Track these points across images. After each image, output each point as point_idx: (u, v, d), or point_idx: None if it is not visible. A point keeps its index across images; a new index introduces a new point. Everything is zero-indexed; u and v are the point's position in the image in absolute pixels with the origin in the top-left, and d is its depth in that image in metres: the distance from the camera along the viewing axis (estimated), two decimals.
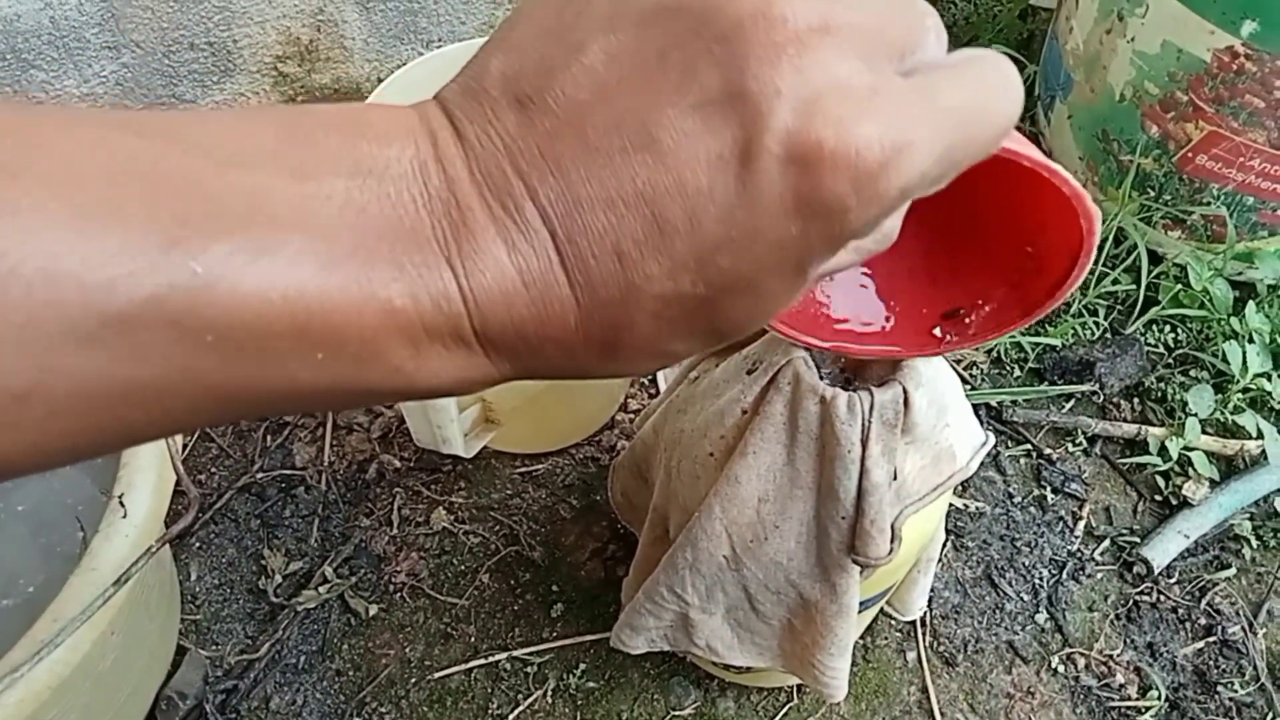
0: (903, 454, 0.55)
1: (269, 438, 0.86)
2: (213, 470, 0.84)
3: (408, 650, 0.77)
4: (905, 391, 0.53)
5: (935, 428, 0.56)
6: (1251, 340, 0.93)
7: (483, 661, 0.76)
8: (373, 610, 0.79)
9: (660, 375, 0.92)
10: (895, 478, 0.55)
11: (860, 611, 0.62)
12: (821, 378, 0.55)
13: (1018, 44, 1.18)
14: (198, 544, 0.82)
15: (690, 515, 0.59)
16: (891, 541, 0.54)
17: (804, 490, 0.55)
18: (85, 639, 0.54)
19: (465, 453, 0.73)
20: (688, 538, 0.58)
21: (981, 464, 0.88)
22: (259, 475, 0.84)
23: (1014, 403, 0.93)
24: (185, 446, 0.83)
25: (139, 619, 0.67)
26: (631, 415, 0.90)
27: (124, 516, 0.57)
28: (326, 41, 0.94)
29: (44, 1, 0.76)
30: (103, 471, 0.68)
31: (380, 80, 0.78)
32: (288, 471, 0.84)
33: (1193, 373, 0.95)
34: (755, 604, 0.60)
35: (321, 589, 0.79)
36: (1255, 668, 0.79)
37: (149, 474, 0.58)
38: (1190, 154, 0.94)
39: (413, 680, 0.76)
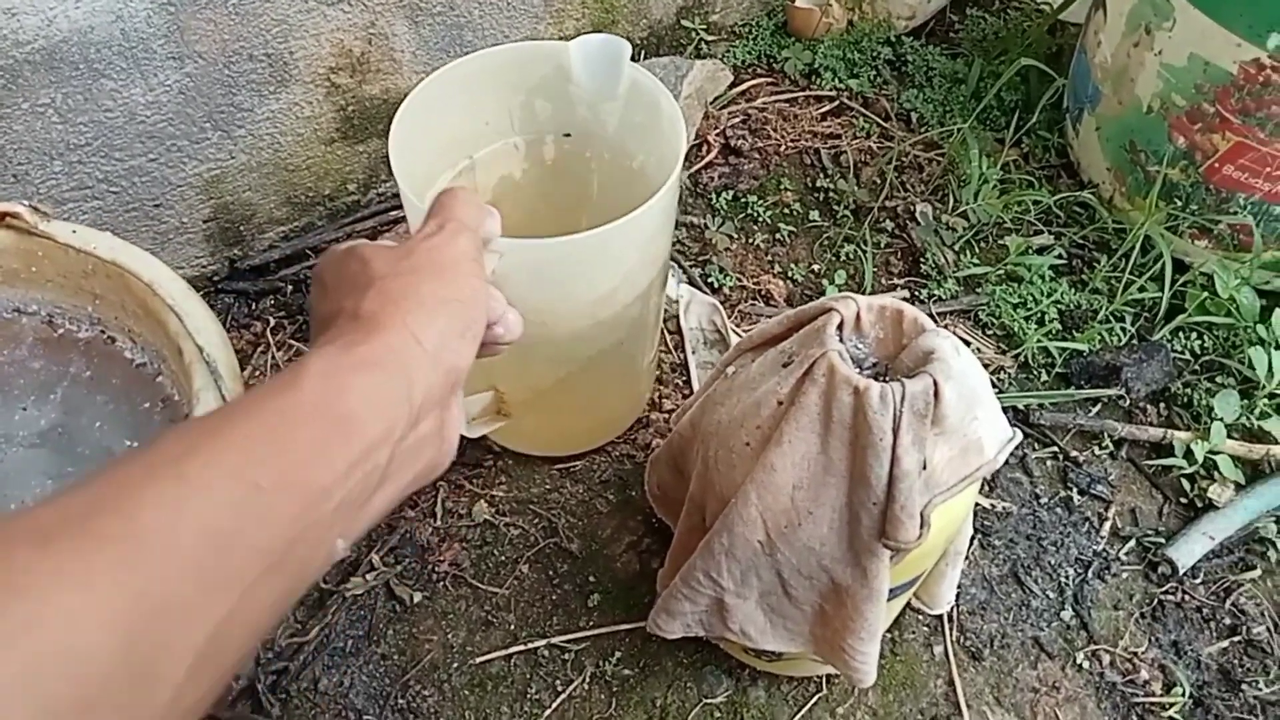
0: (932, 445, 0.58)
1: None
2: None
3: (450, 636, 0.80)
4: (936, 384, 0.55)
5: (964, 420, 0.58)
6: (1278, 347, 0.94)
7: (522, 648, 0.79)
8: (417, 598, 0.82)
9: (694, 374, 0.95)
10: (925, 467, 0.57)
11: (889, 599, 0.64)
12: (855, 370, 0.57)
13: (1047, 58, 1.20)
14: None
15: (726, 503, 0.61)
16: (921, 527, 0.57)
17: (837, 478, 0.58)
18: None
19: (469, 433, 0.75)
20: (724, 524, 0.61)
21: (1009, 465, 0.90)
22: None
23: (1041, 406, 0.95)
24: None
25: None
26: (665, 414, 0.93)
27: None
28: (377, 54, 0.98)
29: (115, 14, 0.81)
30: None
31: None
32: None
33: (1219, 379, 0.97)
34: (788, 589, 0.62)
35: (368, 576, 0.82)
36: None
37: None
38: (1217, 164, 0.96)
39: (455, 665, 0.79)
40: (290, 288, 1.01)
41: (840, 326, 0.59)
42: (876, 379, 0.57)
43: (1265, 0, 0.84)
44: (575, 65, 0.75)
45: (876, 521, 0.57)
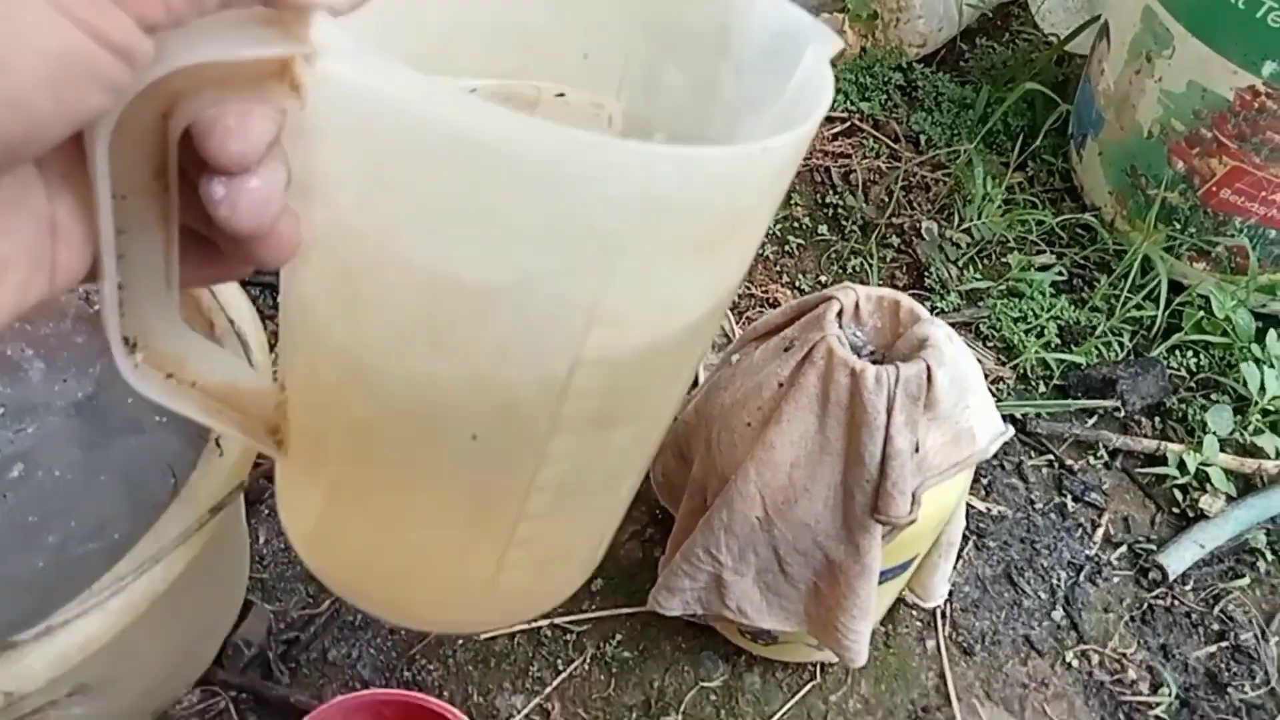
0: (925, 429, 0.60)
1: None
2: None
3: None
4: (929, 368, 0.58)
5: (956, 407, 0.61)
6: (1272, 365, 0.97)
7: (525, 627, 0.82)
8: None
9: (701, 378, 0.98)
10: (917, 450, 0.60)
11: (882, 582, 0.67)
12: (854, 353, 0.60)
13: (1054, 86, 1.23)
14: (267, 511, 0.88)
15: (727, 482, 0.64)
16: (912, 505, 0.59)
17: (832, 456, 0.60)
18: (179, 561, 0.61)
19: (125, 370, 0.31)
20: (724, 500, 0.64)
21: (1004, 470, 0.93)
22: None
23: (1038, 416, 0.97)
24: None
25: (218, 562, 0.74)
26: None
27: (220, 455, 0.63)
28: None
29: None
30: (197, 425, 0.74)
31: None
32: None
33: (1214, 395, 0.99)
34: (784, 566, 0.65)
35: None
36: (1266, 672, 0.82)
37: None
38: (1215, 188, 0.99)
39: (460, 641, 0.81)
40: None
41: (840, 314, 0.62)
42: (873, 363, 0.60)
43: (1260, 29, 0.87)
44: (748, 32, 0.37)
45: (869, 498, 0.60)
